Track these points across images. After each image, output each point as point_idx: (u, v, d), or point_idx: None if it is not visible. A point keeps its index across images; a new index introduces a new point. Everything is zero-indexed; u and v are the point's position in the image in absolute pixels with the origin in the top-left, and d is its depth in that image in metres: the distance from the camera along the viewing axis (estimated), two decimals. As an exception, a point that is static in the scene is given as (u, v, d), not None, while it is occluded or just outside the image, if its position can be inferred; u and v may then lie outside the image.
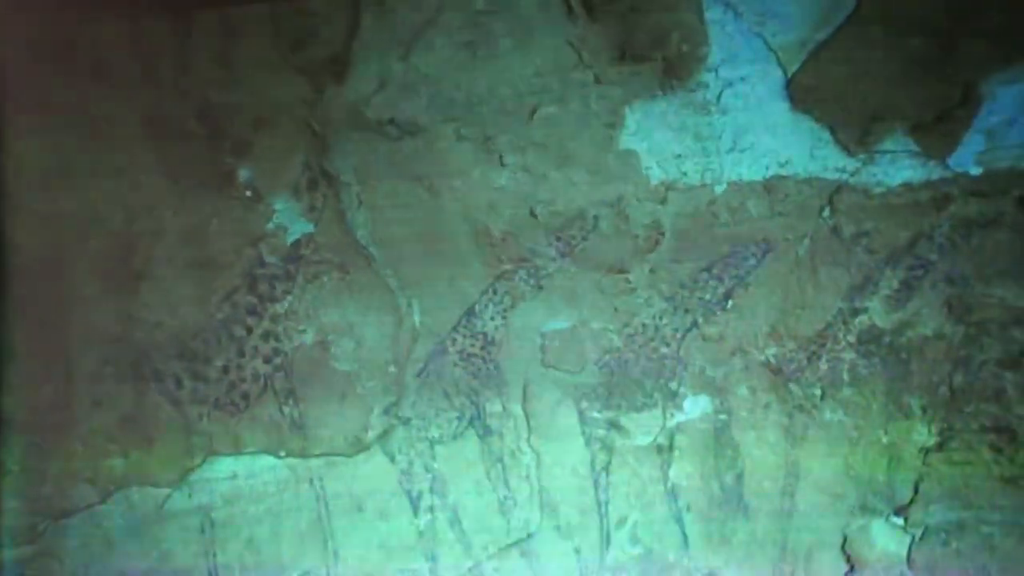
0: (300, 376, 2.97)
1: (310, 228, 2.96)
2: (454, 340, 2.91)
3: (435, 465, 2.93)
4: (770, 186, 2.75)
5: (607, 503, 2.85)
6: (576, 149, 2.83)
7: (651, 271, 2.82)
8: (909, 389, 2.71)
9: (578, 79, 2.83)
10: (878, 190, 2.70)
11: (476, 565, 2.92)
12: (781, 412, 2.77)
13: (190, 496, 3.02)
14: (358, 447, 2.96)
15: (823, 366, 2.75)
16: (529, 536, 2.89)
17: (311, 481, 2.97)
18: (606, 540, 2.86)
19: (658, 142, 2.80)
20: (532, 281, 2.87)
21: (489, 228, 2.88)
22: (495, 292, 2.88)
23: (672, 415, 2.82)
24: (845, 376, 2.74)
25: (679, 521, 2.83)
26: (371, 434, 2.95)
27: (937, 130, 2.67)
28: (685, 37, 2.78)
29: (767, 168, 2.75)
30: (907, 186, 2.69)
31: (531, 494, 2.89)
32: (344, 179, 2.93)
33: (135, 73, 3.02)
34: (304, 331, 2.97)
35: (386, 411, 2.94)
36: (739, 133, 2.76)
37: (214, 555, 3.01)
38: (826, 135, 2.72)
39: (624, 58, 2.81)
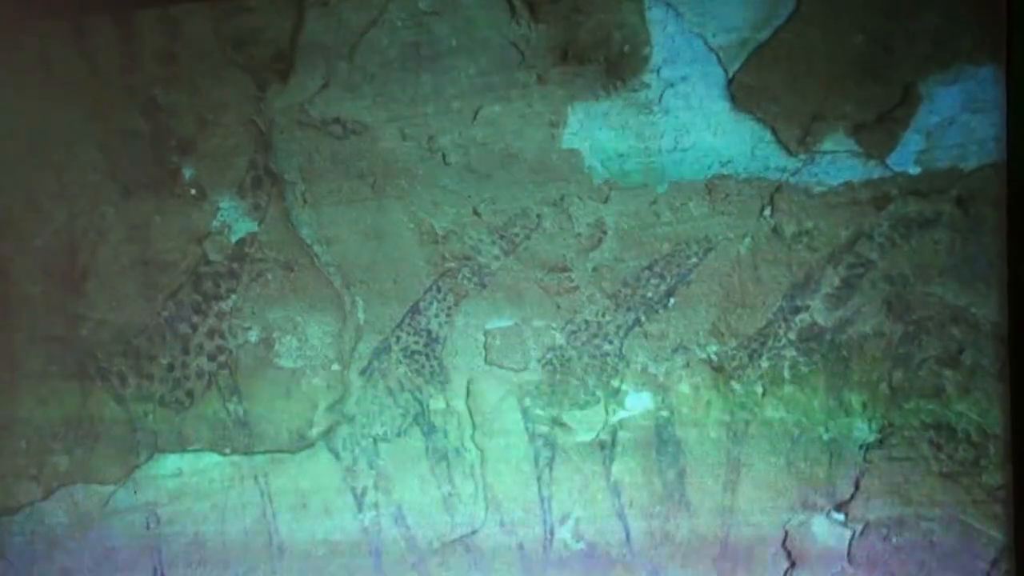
0: (245, 373, 2.52)
1: (254, 227, 2.49)
2: (398, 338, 2.46)
3: (379, 462, 2.49)
4: (711, 185, 2.33)
5: (550, 499, 2.44)
6: (519, 148, 2.39)
7: (594, 269, 2.38)
8: (849, 386, 2.32)
9: (521, 79, 2.38)
10: (819, 189, 2.29)
11: (420, 561, 2.49)
12: (723, 409, 2.37)
13: (135, 493, 2.57)
14: (302, 444, 2.51)
15: (764, 364, 2.34)
16: (473, 532, 2.47)
17: (256, 478, 2.53)
18: (549, 536, 2.44)
19: (601, 141, 2.36)
20: (475, 279, 2.42)
21: (433, 226, 2.43)
22: (439, 290, 2.44)
23: (614, 412, 2.41)
24: (786, 373, 2.34)
25: (621, 517, 2.42)
26: (315, 431, 2.50)
27: (877, 130, 2.26)
28: (627, 38, 2.33)
29: (709, 168, 2.33)
30: (847, 185, 2.28)
31: (475, 490, 2.47)
32: (288, 178, 2.47)
33: (79, 71, 2.52)
34: (249, 329, 2.51)
35: (330, 408, 2.50)
36: (681, 133, 2.34)
37: (159, 552, 2.57)
38: (767, 135, 2.30)
39: (567, 58, 2.36)
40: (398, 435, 2.47)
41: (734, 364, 2.35)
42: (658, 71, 2.33)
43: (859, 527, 2.32)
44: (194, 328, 2.52)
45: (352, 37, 2.41)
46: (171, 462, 2.55)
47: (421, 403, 2.46)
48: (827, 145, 2.28)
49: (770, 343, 2.33)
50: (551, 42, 2.35)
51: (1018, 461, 2.25)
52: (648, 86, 2.33)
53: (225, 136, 2.48)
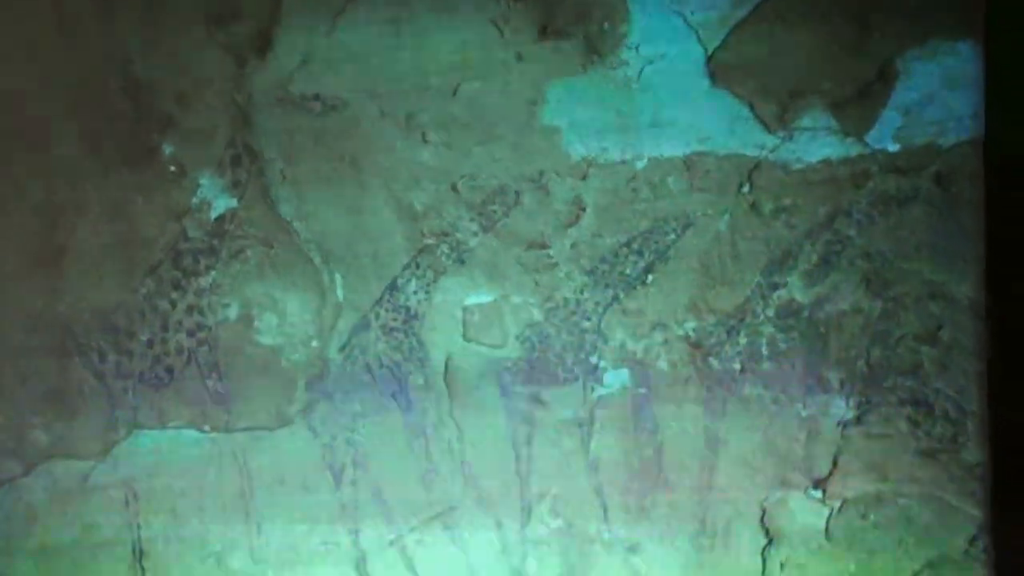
0: (224, 350, 2.45)
1: (234, 203, 2.42)
2: (377, 314, 2.39)
3: (358, 439, 2.42)
4: (690, 162, 2.26)
5: (528, 476, 2.37)
6: (498, 125, 2.32)
7: (572, 246, 2.32)
8: (827, 363, 2.25)
9: (500, 56, 2.31)
10: (797, 166, 2.22)
11: (398, 537, 2.42)
12: (701, 386, 2.30)
13: (114, 469, 2.49)
14: (281, 421, 2.44)
15: (742, 340, 2.28)
16: (451, 509, 2.40)
17: (234, 455, 2.46)
18: (527, 513, 2.38)
19: (579, 118, 2.29)
20: (454, 256, 2.36)
21: (412, 203, 2.36)
22: (418, 267, 2.37)
23: (593, 389, 2.33)
24: (764, 350, 2.27)
25: (600, 494, 2.35)
26: (294, 408, 2.43)
27: (855, 107, 2.20)
28: (606, 15, 2.27)
29: (687, 144, 2.26)
30: (826, 162, 2.21)
31: (453, 467, 2.39)
32: (268, 155, 2.40)
33: (58, 46, 2.45)
34: (228, 305, 2.44)
35: (309, 385, 2.42)
36: (659, 110, 2.27)
37: (138, 527, 2.50)
38: (746, 112, 2.24)
39: (546, 35, 2.29)
40: (376, 412, 2.41)
41: (712, 341, 2.28)
42: (637, 48, 2.26)
43: (837, 504, 2.26)
44: (173, 305, 2.45)
45: (332, 14, 2.34)
46: (150, 438, 2.48)
47: (399, 380, 2.39)
48: (805, 122, 2.21)
49: (748, 320, 2.27)
50: (530, 19, 2.28)
51: (996, 438, 2.19)
52: (627, 63, 2.27)
53: (205, 113, 2.41)
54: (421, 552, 2.41)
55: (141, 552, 2.50)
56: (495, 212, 2.33)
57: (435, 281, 2.36)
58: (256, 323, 2.43)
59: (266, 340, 2.43)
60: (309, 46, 2.36)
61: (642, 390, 2.31)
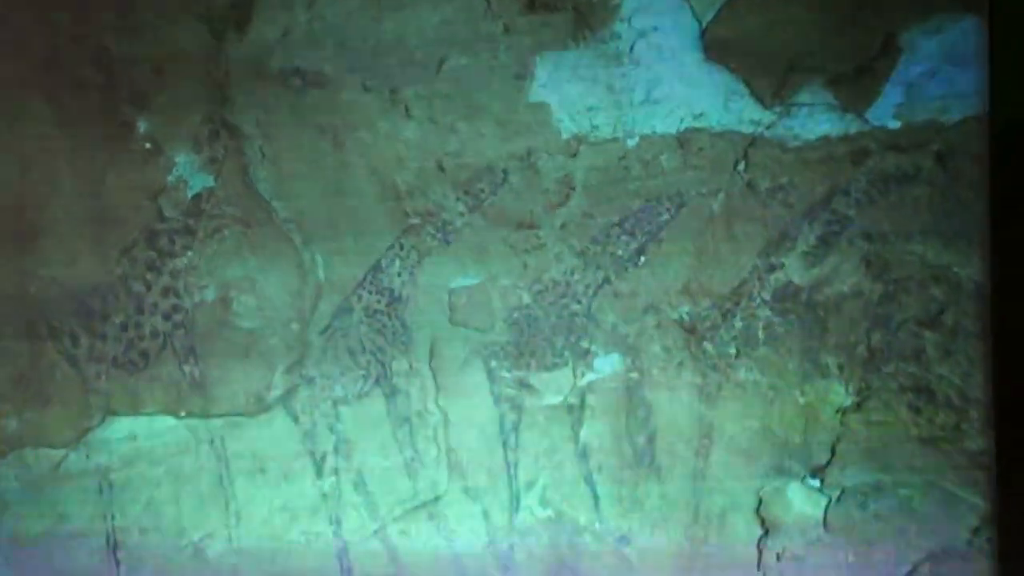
0: (201, 334, 2.38)
1: (211, 182, 2.35)
2: (359, 297, 2.32)
3: (340, 426, 2.35)
4: (684, 139, 2.19)
5: (516, 464, 2.30)
6: (485, 101, 2.25)
7: (562, 226, 2.24)
8: (826, 348, 2.17)
9: (487, 29, 2.23)
10: (794, 144, 2.15)
11: (381, 528, 2.35)
12: (695, 371, 2.22)
13: (87, 457, 2.42)
14: (260, 407, 2.37)
15: (738, 324, 2.20)
16: (436, 498, 2.33)
17: (212, 442, 2.39)
18: (515, 502, 2.31)
19: (569, 94, 2.22)
20: (440, 236, 2.28)
21: (395, 181, 2.28)
22: (402, 247, 2.30)
23: (583, 374, 2.26)
24: (761, 334, 2.19)
25: (590, 483, 2.28)
26: (274, 394, 2.36)
27: (855, 82, 2.12)
28: (597, -15, 2.20)
29: (681, 121, 2.19)
30: (824, 140, 2.14)
31: (438, 455, 2.32)
32: (246, 131, 2.33)
33: (28, 19, 2.37)
34: (205, 287, 2.37)
35: (289, 370, 2.35)
36: (652, 85, 2.19)
37: (112, 517, 2.43)
38: (741, 87, 2.16)
39: (534, 7, 2.21)
40: (359, 398, 2.33)
41: (707, 324, 2.21)
42: (629, 21, 2.18)
43: (836, 493, 2.19)
44: (149, 287, 2.38)
45: (313, -15, 2.28)
46: (125, 425, 2.41)
47: (383, 364, 2.32)
48: (803, 98, 2.14)
49: (744, 303, 2.19)
50: (517, -10, 2.22)
51: (1000, 426, 2.12)
52: (619, 36, 2.19)
53: (180, 88, 2.34)
54: (405, 543, 2.34)
55: (115, 543, 2.43)
56: (482, 191, 2.26)
57: (420, 262, 2.29)
58: (234, 305, 2.36)
59: (244, 323, 2.36)
60: (289, 19, 2.29)
61: (634, 375, 2.24)
